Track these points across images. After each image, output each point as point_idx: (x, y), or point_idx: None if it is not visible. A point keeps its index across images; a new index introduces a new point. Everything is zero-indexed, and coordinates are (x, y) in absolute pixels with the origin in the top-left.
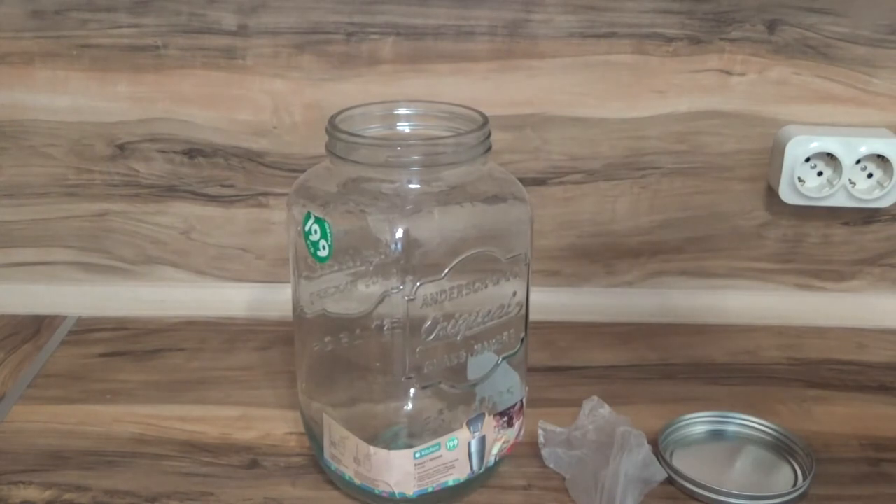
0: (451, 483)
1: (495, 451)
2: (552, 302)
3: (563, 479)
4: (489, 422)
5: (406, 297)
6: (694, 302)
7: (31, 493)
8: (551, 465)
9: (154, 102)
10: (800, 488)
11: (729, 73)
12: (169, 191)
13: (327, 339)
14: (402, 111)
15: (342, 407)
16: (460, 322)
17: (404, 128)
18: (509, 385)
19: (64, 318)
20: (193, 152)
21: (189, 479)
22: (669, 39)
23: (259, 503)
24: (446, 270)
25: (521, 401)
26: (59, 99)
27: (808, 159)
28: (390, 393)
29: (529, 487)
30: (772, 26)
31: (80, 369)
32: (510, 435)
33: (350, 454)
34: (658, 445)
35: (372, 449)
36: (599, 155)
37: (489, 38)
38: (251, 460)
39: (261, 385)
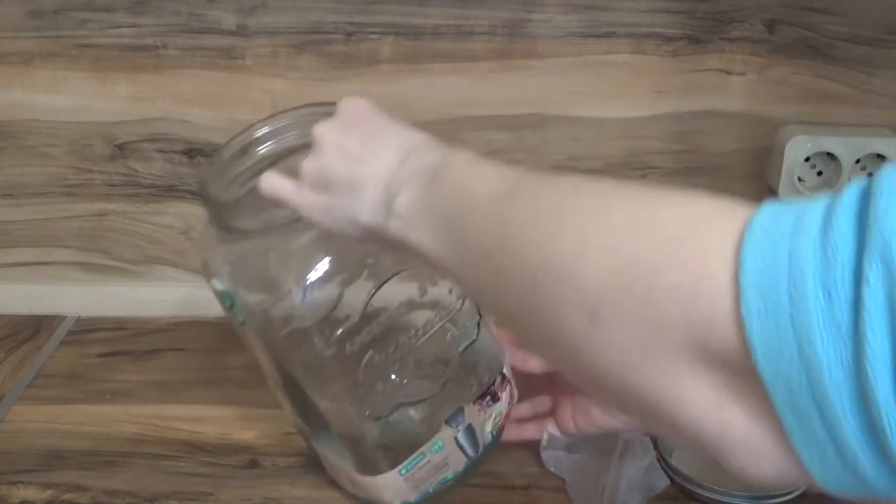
0: (450, 477)
1: (489, 428)
2: None
3: (564, 480)
4: (470, 410)
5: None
6: None
7: (30, 493)
8: (551, 468)
9: (153, 102)
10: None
11: (728, 72)
12: (168, 191)
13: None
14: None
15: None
16: (391, 349)
17: None
18: (482, 367)
19: (63, 318)
20: (193, 152)
21: (189, 479)
22: (669, 39)
23: (259, 503)
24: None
25: (502, 372)
26: (58, 99)
27: (807, 159)
28: (361, 426)
29: (529, 487)
30: (771, 26)
31: (80, 369)
32: (499, 408)
33: (345, 478)
34: (658, 445)
35: (359, 477)
36: (599, 155)
37: (488, 37)
38: (250, 460)
39: (259, 385)
